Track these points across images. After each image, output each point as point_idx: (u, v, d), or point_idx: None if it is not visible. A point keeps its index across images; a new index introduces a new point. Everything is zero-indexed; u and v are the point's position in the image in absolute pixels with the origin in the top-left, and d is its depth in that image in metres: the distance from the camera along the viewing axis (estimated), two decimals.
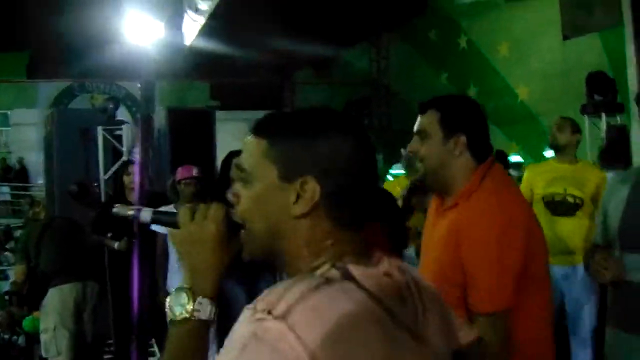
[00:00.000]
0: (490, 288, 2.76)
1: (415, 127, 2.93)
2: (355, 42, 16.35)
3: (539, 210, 5.31)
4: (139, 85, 12.75)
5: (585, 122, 8.64)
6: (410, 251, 5.96)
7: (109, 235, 7.21)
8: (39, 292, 6.62)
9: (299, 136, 1.48)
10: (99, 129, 10.04)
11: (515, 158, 10.96)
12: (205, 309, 1.59)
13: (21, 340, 8.14)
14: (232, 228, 1.61)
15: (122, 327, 7.12)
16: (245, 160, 1.53)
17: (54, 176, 10.07)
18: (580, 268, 4.17)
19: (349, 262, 1.42)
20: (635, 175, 3.51)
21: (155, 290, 6.72)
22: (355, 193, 1.50)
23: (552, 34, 11.36)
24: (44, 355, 6.63)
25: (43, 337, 6.57)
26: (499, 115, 11.59)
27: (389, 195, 5.96)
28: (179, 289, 1.61)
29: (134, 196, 7.51)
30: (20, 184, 18.55)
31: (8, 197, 18.78)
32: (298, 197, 1.45)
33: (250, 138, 1.54)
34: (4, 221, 15.67)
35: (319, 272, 1.39)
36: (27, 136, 18.54)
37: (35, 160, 17.90)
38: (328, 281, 1.34)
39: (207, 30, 11.69)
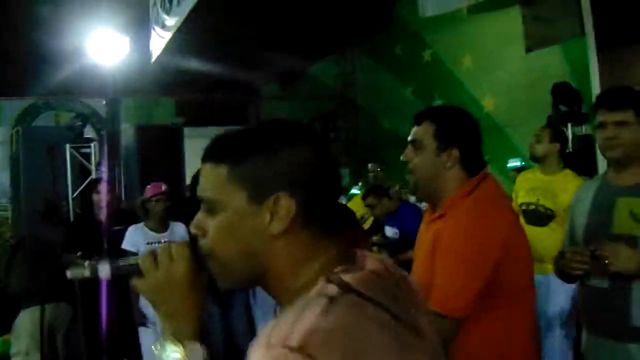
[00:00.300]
0: (447, 292, 2.78)
1: (410, 137, 3.02)
2: (321, 57, 16.37)
3: (521, 219, 5.34)
4: (104, 103, 12.67)
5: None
6: None
7: (79, 254, 7.16)
8: (10, 314, 6.53)
9: (261, 153, 1.44)
10: (67, 147, 9.99)
11: None
12: (198, 355, 1.55)
13: None
14: (199, 262, 1.56)
15: (94, 349, 7.06)
16: (207, 189, 1.48)
17: (21, 195, 9.99)
18: (552, 277, 4.21)
19: (340, 271, 1.40)
20: (597, 184, 3.68)
21: (128, 310, 6.69)
22: (327, 199, 1.49)
23: (515, 46, 11.46)
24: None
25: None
26: None
27: (344, 207, 6.06)
28: (163, 342, 1.56)
29: (102, 214, 7.47)
30: None
31: None
32: (271, 215, 1.42)
33: (207, 166, 1.49)
34: None
35: (315, 289, 1.36)
36: None
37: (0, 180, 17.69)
38: (332, 300, 1.31)
39: (173, 46, 11.66)
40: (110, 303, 6.62)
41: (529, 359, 2.99)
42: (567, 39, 10.24)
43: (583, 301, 3.59)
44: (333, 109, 16.85)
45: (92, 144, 10.29)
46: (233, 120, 13.92)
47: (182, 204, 7.39)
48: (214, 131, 1.64)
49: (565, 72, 10.16)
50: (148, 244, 6.76)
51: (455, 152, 2.93)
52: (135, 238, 6.91)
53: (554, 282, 5.01)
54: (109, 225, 7.35)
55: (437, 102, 13.37)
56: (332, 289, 1.35)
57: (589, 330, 3.53)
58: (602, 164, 7.58)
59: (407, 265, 2.98)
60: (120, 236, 7.00)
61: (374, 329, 1.31)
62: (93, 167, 10.08)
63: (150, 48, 12.09)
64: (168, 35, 10.87)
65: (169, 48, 11.53)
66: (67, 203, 9.88)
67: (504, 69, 11.89)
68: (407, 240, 7.31)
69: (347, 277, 1.38)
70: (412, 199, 10.01)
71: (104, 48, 11.48)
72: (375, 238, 7.85)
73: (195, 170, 5.84)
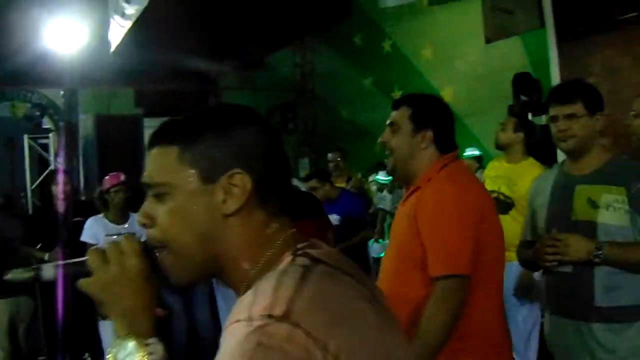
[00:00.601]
0: (447, 251, 2.95)
1: (388, 120, 3.27)
2: (280, 47, 16.30)
3: None
4: (61, 93, 12.50)
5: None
6: None
7: (39, 246, 7.08)
8: None
9: (212, 132, 1.42)
10: (25, 138, 9.86)
11: None
12: (158, 349, 1.49)
13: None
14: (150, 255, 1.50)
15: (54, 342, 6.99)
16: (155, 173, 1.44)
17: None
18: (514, 264, 4.32)
19: (304, 247, 1.40)
20: (555, 173, 3.87)
21: (90, 303, 6.63)
22: (281, 177, 1.48)
23: (475, 37, 11.50)
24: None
25: None
26: None
27: (311, 195, 6.19)
28: (120, 340, 1.48)
29: (62, 206, 7.39)
30: None
31: None
32: (226, 193, 1.39)
33: (154, 150, 1.46)
34: None
35: (284, 263, 1.35)
36: None
37: None
38: (308, 268, 1.31)
39: (132, 36, 11.55)
40: (71, 296, 6.55)
41: (500, 334, 3.13)
42: (526, 30, 10.31)
43: (547, 285, 3.77)
44: (292, 99, 16.82)
45: (50, 135, 10.18)
46: (191, 110, 13.77)
47: (142, 194, 7.34)
48: None
49: (525, 63, 10.24)
50: (108, 235, 6.70)
51: (429, 133, 3.15)
52: (95, 230, 6.84)
53: (515, 269, 5.10)
54: (68, 216, 7.28)
55: (397, 93, 13.41)
56: (303, 261, 1.34)
57: (554, 312, 3.71)
58: (561, 153, 7.67)
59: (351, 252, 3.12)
60: (80, 227, 6.93)
61: (350, 294, 1.32)
62: (52, 158, 9.97)
63: (109, 37, 11.95)
64: (128, 24, 10.77)
65: (128, 37, 11.42)
66: (26, 195, 9.76)
67: (463, 60, 11.96)
68: (351, 226, 7.35)
69: (312, 252, 1.38)
70: (374, 188, 10.05)
71: (61, 37, 11.33)
72: None
73: None
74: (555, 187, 3.74)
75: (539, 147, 7.46)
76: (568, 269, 3.50)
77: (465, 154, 10.00)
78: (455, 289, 2.91)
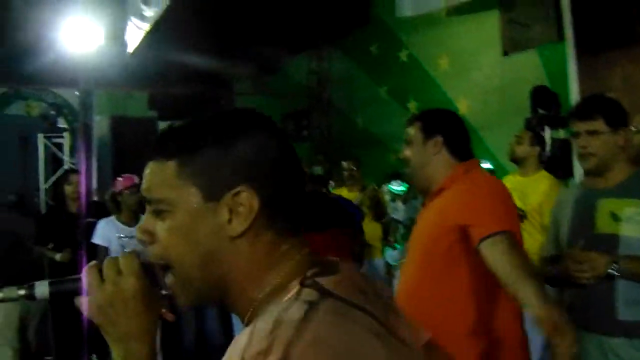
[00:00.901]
0: (488, 214, 2.99)
1: (405, 138, 3.36)
2: (296, 53, 16.31)
3: None
4: (76, 93, 12.51)
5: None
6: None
7: (51, 246, 7.07)
8: None
9: (214, 144, 1.30)
10: (40, 137, 9.86)
11: None
12: None
13: None
14: (151, 274, 1.40)
15: (63, 343, 6.97)
16: (154, 189, 1.32)
17: None
18: None
19: (313, 274, 1.27)
20: (578, 187, 3.93)
21: None
22: (292, 193, 1.34)
23: (492, 48, 11.48)
24: None
25: None
26: None
27: (337, 201, 6.19)
28: None
29: (75, 206, 7.38)
30: None
31: None
32: (230, 213, 1.27)
33: (152, 164, 1.34)
34: None
35: (289, 295, 1.22)
36: None
37: None
38: (312, 305, 1.17)
39: (148, 39, 11.56)
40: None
41: (518, 338, 3.19)
42: (543, 43, 10.28)
43: (570, 299, 3.69)
44: (306, 107, 16.79)
45: (65, 134, 10.18)
46: (204, 115, 13.77)
47: None
48: None
49: (541, 76, 10.18)
50: (120, 237, 6.68)
51: (439, 139, 3.24)
52: (107, 232, 6.82)
53: None
54: (81, 217, 7.27)
55: (412, 103, 13.38)
56: (310, 294, 1.22)
57: (581, 326, 3.63)
58: (579, 167, 7.63)
59: None
60: (93, 228, 6.92)
61: (359, 336, 1.18)
62: (66, 158, 9.97)
63: (126, 39, 11.96)
64: (146, 27, 10.76)
65: (145, 40, 11.43)
66: (39, 194, 9.76)
67: (480, 72, 11.92)
68: None
69: (323, 281, 1.26)
70: (387, 197, 10.00)
71: (78, 37, 11.32)
72: None
73: None
74: (578, 201, 3.74)
75: (556, 162, 7.45)
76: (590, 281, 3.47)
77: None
78: (509, 241, 2.91)
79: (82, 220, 7.20)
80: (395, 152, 3.52)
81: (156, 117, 13.34)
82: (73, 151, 10.09)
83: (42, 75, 14.86)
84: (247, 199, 1.27)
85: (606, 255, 3.37)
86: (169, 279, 1.34)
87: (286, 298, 1.22)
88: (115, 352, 1.39)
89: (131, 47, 11.99)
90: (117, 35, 11.69)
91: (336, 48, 16.15)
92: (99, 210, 7.39)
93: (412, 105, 13.31)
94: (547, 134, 8.48)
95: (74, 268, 6.37)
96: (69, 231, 7.04)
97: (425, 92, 13.07)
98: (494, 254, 2.87)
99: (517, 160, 6.15)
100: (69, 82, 12.96)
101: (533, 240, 5.24)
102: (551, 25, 10.05)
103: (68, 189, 7.42)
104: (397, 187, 9.98)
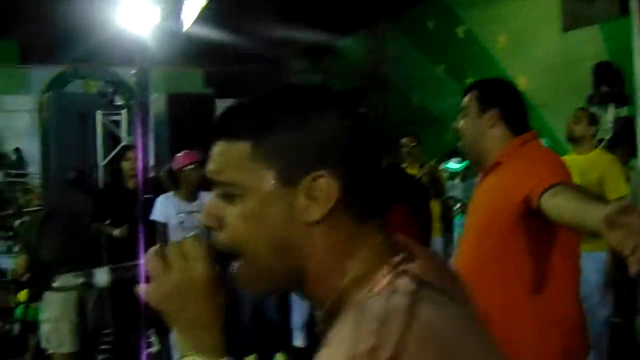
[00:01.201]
0: (546, 173, 2.85)
1: (461, 107, 3.29)
2: (352, 31, 16.23)
3: None
4: (132, 72, 12.60)
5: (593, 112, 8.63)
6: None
7: (108, 222, 7.12)
8: (40, 283, 6.52)
9: (290, 124, 1.21)
10: (98, 114, 9.96)
11: None
12: None
13: (15, 329, 8.05)
14: (219, 260, 1.30)
15: (121, 317, 7.03)
16: (224, 171, 1.24)
17: (51, 162, 9.96)
18: (592, 255, 4.24)
19: (401, 261, 1.20)
20: None
21: None
22: (368, 175, 1.26)
23: (551, 25, 11.30)
24: (44, 346, 6.52)
25: (44, 328, 6.48)
26: None
27: (410, 176, 6.05)
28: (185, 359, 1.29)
29: (132, 182, 7.42)
30: (14, 171, 18.36)
31: None
32: (308, 198, 1.19)
33: (222, 143, 1.25)
34: None
35: (382, 284, 1.16)
36: (19, 123, 18.41)
37: (27, 148, 17.74)
38: (414, 298, 1.11)
39: (203, 17, 11.56)
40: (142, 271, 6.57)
41: (578, 316, 3.11)
42: (605, 19, 10.08)
43: None
44: (362, 84, 16.70)
45: (122, 112, 10.26)
46: (259, 92, 13.84)
47: None
48: None
49: (602, 53, 10.00)
50: (179, 214, 6.70)
51: (496, 112, 3.15)
52: (165, 208, 6.85)
53: (585, 260, 5.00)
54: (138, 193, 7.30)
55: (469, 80, 13.20)
56: (406, 284, 1.15)
57: None
58: None
59: None
60: (150, 204, 6.95)
61: (463, 326, 1.15)
62: (123, 135, 10.06)
63: (182, 17, 11.99)
64: (202, 4, 10.76)
65: (200, 18, 11.44)
66: (97, 171, 9.86)
67: (539, 48, 11.73)
68: None
69: (413, 268, 1.19)
70: (445, 175, 9.91)
71: (134, 16, 11.38)
72: None
73: None
74: None
75: (619, 140, 7.32)
76: None
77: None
78: (571, 188, 2.73)
79: (139, 196, 7.23)
80: (452, 130, 3.43)
81: (213, 94, 13.36)
82: (130, 128, 10.16)
83: (99, 54, 15.04)
84: (326, 184, 1.19)
85: None
86: (236, 266, 1.27)
87: (378, 288, 1.16)
88: (183, 341, 1.30)
89: (186, 24, 12.01)
90: (174, 14, 11.72)
91: (392, 25, 16.02)
92: (156, 187, 7.42)
93: (470, 82, 13.16)
94: (611, 111, 8.33)
95: (132, 244, 6.43)
96: (127, 207, 7.07)
97: (482, 69, 12.90)
98: (558, 199, 2.65)
99: (575, 139, 6.16)
100: (126, 60, 13.07)
101: None
102: (613, 1, 9.85)
103: (125, 165, 7.46)
104: (455, 164, 9.88)
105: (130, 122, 10.23)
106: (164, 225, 6.77)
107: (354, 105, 1.28)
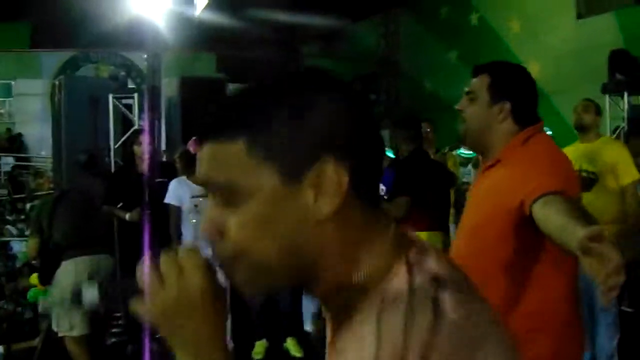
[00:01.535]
0: (544, 177, 2.72)
1: (467, 88, 3.06)
2: (365, 17, 16.19)
3: None
4: (144, 56, 12.58)
5: (607, 101, 8.59)
6: None
7: (120, 205, 7.11)
8: (52, 265, 6.51)
9: (288, 114, 1.10)
10: (110, 97, 9.95)
11: None
12: None
13: (27, 312, 8.06)
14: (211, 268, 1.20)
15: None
16: (219, 174, 1.12)
17: (63, 145, 9.94)
18: None
19: (415, 256, 1.13)
20: None
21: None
22: (373, 162, 1.17)
23: (565, 12, 11.27)
24: (55, 329, 6.52)
25: (55, 311, 6.47)
26: None
27: (441, 164, 5.93)
28: None
29: (144, 166, 7.40)
30: (25, 155, 18.43)
31: (9, 169, 18.56)
32: (316, 192, 1.09)
33: (211, 145, 1.13)
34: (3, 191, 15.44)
35: (399, 282, 1.08)
36: (30, 107, 18.48)
37: (37, 132, 17.79)
38: (436, 298, 1.05)
39: (215, 1, 11.54)
40: (151, 254, 6.55)
41: (571, 315, 2.99)
42: (619, 6, 10.03)
43: None
44: (375, 70, 16.67)
45: (134, 95, 10.25)
46: (268, 78, 13.84)
47: None
48: None
49: (617, 41, 9.93)
50: (193, 197, 6.69)
51: (507, 106, 2.97)
52: (179, 192, 6.84)
53: None
54: (150, 177, 7.28)
55: None
56: (425, 282, 1.08)
57: None
58: None
59: None
60: (162, 188, 6.93)
61: (486, 325, 1.08)
62: (135, 119, 10.05)
63: (194, 1, 11.98)
64: None
65: (212, 2, 11.42)
66: (109, 154, 9.86)
67: (552, 35, 11.69)
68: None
69: (428, 263, 1.12)
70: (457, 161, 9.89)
71: (146, 0, 11.35)
72: None
73: None
74: None
75: (636, 127, 7.33)
76: None
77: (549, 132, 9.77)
78: (566, 200, 2.60)
79: (148, 179, 7.20)
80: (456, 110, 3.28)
81: (225, 78, 13.33)
82: (142, 112, 10.16)
83: (110, 38, 15.01)
84: (335, 174, 1.09)
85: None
86: (239, 272, 1.14)
87: (397, 286, 1.08)
88: (184, 358, 1.21)
89: (199, 8, 11.99)
90: None
91: (406, 12, 15.98)
92: (168, 171, 7.40)
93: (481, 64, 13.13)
94: (626, 99, 8.29)
95: (143, 228, 6.41)
96: (138, 191, 7.06)
97: (496, 56, 12.78)
98: (547, 210, 2.58)
99: (584, 128, 6.19)
100: (138, 45, 13.05)
101: (606, 202, 5.43)
102: None
103: (137, 149, 7.43)
104: (467, 151, 9.87)
105: (142, 106, 10.22)
106: (178, 209, 6.77)
107: (354, 91, 1.19)
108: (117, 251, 7.02)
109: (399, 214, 5.67)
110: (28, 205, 10.90)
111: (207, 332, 1.21)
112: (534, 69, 11.66)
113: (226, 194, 1.12)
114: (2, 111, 21.07)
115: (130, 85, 12.43)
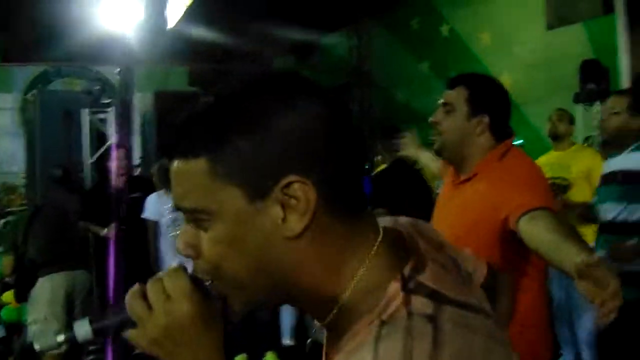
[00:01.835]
0: (526, 193, 2.80)
1: (442, 100, 3.11)
2: (336, 29, 16.21)
3: None
4: (117, 70, 12.54)
5: (580, 110, 8.70)
6: None
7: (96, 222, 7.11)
8: (27, 282, 6.47)
9: (248, 128, 1.06)
10: (84, 112, 9.93)
11: None
12: None
13: (1, 331, 8.00)
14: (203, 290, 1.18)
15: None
16: (187, 196, 1.11)
17: (36, 160, 9.90)
18: None
19: (410, 270, 1.09)
20: None
21: (146, 278, 6.61)
22: (351, 171, 1.11)
23: (535, 23, 11.32)
24: (36, 348, 6.48)
25: (32, 328, 6.44)
26: None
27: (421, 174, 5.96)
28: None
29: (120, 181, 7.40)
30: None
31: None
32: (284, 209, 1.06)
33: (177, 164, 1.11)
34: None
35: (394, 302, 1.04)
36: (1, 121, 18.34)
37: (9, 147, 17.64)
38: (435, 323, 1.01)
39: (189, 14, 11.53)
40: (128, 270, 6.56)
41: (543, 321, 3.11)
42: (589, 17, 10.12)
43: None
44: (346, 82, 16.69)
45: (109, 109, 10.24)
46: (231, 87, 13.80)
47: None
48: None
49: (587, 51, 10.02)
50: (172, 211, 6.70)
51: (486, 119, 3.02)
52: (157, 206, 6.86)
53: None
54: (125, 192, 7.27)
55: None
56: (422, 303, 1.04)
57: None
58: None
59: None
60: (137, 203, 6.94)
61: (487, 345, 1.04)
62: (111, 133, 10.05)
63: (166, 14, 11.96)
64: (186, 1, 10.73)
65: (185, 15, 11.41)
66: (84, 169, 9.82)
67: (523, 46, 11.76)
68: None
69: (425, 279, 1.08)
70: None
71: (117, 14, 11.30)
72: None
73: None
74: None
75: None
76: None
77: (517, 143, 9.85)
78: (551, 216, 2.66)
79: (122, 195, 7.19)
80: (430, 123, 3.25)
81: (200, 91, 13.31)
82: (117, 127, 10.14)
83: (82, 52, 14.90)
84: (301, 190, 1.05)
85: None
86: (223, 289, 1.15)
87: (392, 309, 1.04)
88: None
89: (171, 22, 11.98)
90: (158, 11, 11.68)
91: (377, 23, 16.01)
92: (143, 185, 7.40)
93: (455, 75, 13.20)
94: (597, 108, 8.39)
95: (119, 243, 6.42)
96: (114, 206, 7.05)
97: (467, 67, 12.84)
98: (535, 227, 2.62)
99: (558, 137, 6.38)
100: (109, 59, 12.99)
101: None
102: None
103: (112, 164, 7.43)
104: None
105: (114, 122, 10.20)
106: (156, 223, 6.77)
107: (328, 94, 1.15)
108: (94, 267, 7.01)
109: None
110: (1, 222, 10.82)
111: (203, 353, 1.18)
112: (505, 80, 11.78)
113: (195, 215, 1.11)
114: None
115: (105, 99, 12.40)
